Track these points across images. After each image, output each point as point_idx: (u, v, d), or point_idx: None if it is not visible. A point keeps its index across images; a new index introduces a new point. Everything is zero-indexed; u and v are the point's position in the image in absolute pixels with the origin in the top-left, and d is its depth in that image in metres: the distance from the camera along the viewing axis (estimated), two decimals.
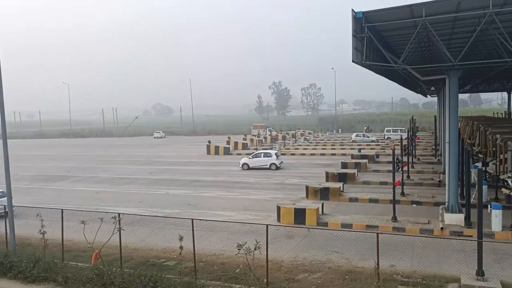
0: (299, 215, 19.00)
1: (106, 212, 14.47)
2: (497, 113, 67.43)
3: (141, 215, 19.14)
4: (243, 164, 37.22)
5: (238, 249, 12.06)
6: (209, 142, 53.49)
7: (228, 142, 55.65)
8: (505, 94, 64.82)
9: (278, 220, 19.45)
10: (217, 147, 51.01)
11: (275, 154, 37.55)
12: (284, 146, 54.93)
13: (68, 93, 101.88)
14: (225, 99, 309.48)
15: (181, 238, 12.43)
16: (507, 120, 47.02)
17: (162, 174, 36.08)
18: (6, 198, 16.31)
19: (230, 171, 36.54)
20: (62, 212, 14.95)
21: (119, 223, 13.33)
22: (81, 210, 16.24)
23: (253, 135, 69.08)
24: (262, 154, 37.76)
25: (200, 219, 15.41)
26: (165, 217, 18.99)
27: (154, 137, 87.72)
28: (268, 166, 36.44)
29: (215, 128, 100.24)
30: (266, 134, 70.00)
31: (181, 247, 12.56)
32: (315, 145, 56.00)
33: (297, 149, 52.71)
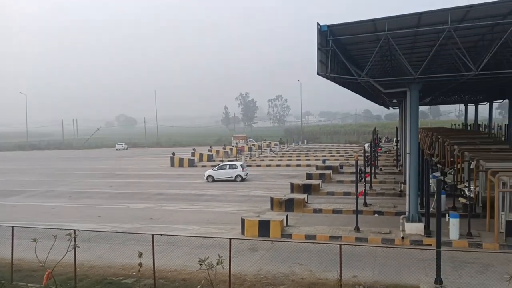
0: (264, 228, 18.78)
1: (60, 229, 13.78)
2: (455, 124, 70.14)
3: (99, 231, 18.35)
4: (208, 176, 36.76)
5: (200, 264, 11.70)
6: (173, 154, 52.65)
7: (193, 154, 54.98)
8: (462, 106, 67.40)
9: (242, 233, 19.16)
10: (181, 159, 50.26)
11: (241, 165, 37.30)
12: (250, 158, 54.81)
13: (25, 103, 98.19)
14: (191, 110, 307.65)
15: (140, 255, 11.91)
16: (464, 132, 48.91)
17: (124, 187, 35.08)
18: None
19: (194, 183, 35.99)
20: (12, 230, 14.09)
21: (74, 240, 12.66)
22: (34, 227, 15.41)
23: (233, 146, 68.46)
24: (228, 165, 37.42)
25: (161, 234, 14.97)
26: (124, 232, 18.37)
27: (116, 149, 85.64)
28: (233, 178, 36.12)
29: (180, 139, 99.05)
30: (247, 145, 70.01)
31: (140, 264, 12.03)
32: (281, 156, 56.20)
33: (263, 160, 52.71)
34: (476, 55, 18.44)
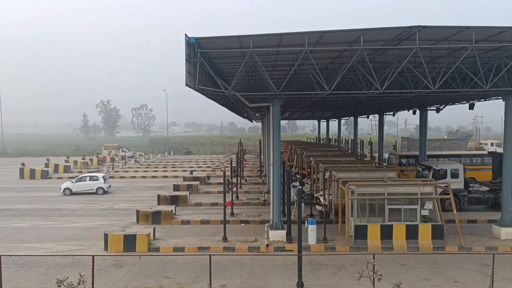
0: (129, 242, 17.99)
1: None
2: (310, 138, 76.87)
3: None
4: (65, 189, 33.84)
5: (58, 286, 10.77)
6: (22, 164, 47.24)
7: (47, 165, 50.06)
8: (316, 121, 74.35)
9: (106, 249, 18.06)
10: (33, 170, 45.36)
11: (103, 177, 35.18)
12: (112, 169, 52.05)
13: None
14: (45, 117, 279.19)
15: None
16: (318, 145, 53.91)
17: None
18: None
19: (49, 197, 32.75)
20: None
21: None
22: None
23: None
24: (88, 177, 34.96)
25: (10, 255, 13.31)
26: None
27: None
28: (94, 191, 33.89)
29: (31, 149, 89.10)
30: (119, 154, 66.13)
31: None
32: (146, 168, 54.57)
33: (127, 171, 50.53)
34: (328, 76, 20.63)
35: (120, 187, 38.04)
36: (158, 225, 21.95)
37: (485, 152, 35.79)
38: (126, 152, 71.73)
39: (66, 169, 49.95)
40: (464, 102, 29.12)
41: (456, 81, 19.61)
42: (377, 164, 31.46)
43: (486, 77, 17.39)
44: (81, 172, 45.83)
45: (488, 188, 26.80)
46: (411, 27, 14.54)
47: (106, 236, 18.29)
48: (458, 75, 19.20)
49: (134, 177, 46.32)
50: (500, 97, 19.50)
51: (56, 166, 49.71)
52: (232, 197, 24.19)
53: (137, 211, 23.44)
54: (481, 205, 25.34)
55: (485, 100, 26.80)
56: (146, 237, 18.13)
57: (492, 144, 63.82)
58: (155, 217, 22.92)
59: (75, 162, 55.13)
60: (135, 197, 32.39)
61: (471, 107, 28.15)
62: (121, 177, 45.75)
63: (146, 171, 51.06)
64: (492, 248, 17.51)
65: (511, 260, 15.71)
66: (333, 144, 57.18)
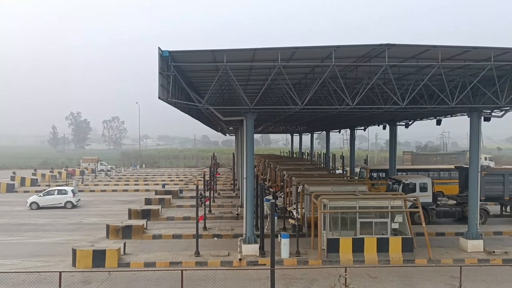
0: (98, 257, 17.55)
1: None
2: (283, 152, 77.36)
3: None
4: (32, 203, 32.79)
5: None
6: None
7: (13, 178, 48.44)
8: (289, 135, 74.98)
9: (74, 264, 17.54)
10: None
11: (72, 191, 34.33)
12: (82, 182, 50.86)
13: None
14: (11, 129, 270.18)
15: None
16: (291, 159, 54.29)
17: None
18: None
19: (14, 211, 31.65)
20: None
21: None
22: None
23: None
24: (56, 191, 34.03)
25: None
26: None
27: None
28: (63, 205, 32.99)
29: None
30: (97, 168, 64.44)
31: None
32: (117, 181, 53.55)
33: (97, 185, 49.47)
34: (301, 91, 20.93)
35: (90, 201, 37.16)
36: (129, 239, 21.50)
37: (452, 167, 36.84)
38: (105, 165, 70.31)
39: (33, 182, 48.52)
40: (431, 118, 30.02)
41: (424, 97, 20.25)
42: (348, 178, 31.91)
43: (452, 94, 18.03)
44: (49, 185, 44.55)
45: (455, 202, 27.54)
46: (380, 44, 14.98)
47: (74, 251, 17.78)
48: (426, 92, 19.83)
49: (105, 190, 45.39)
50: (466, 114, 20.23)
51: (23, 179, 48.24)
52: (205, 211, 23.98)
53: (107, 226, 22.93)
54: (449, 218, 26.01)
55: (451, 116, 27.73)
56: (116, 252, 17.74)
57: (485, 159, 60.77)
58: (125, 232, 22.46)
59: (43, 175, 53.62)
60: (105, 211, 31.68)
61: (439, 123, 29.01)
62: (91, 191, 44.74)
63: (117, 184, 50.15)
64: (460, 261, 17.97)
65: (478, 272, 16.14)
66: (306, 158, 57.67)
